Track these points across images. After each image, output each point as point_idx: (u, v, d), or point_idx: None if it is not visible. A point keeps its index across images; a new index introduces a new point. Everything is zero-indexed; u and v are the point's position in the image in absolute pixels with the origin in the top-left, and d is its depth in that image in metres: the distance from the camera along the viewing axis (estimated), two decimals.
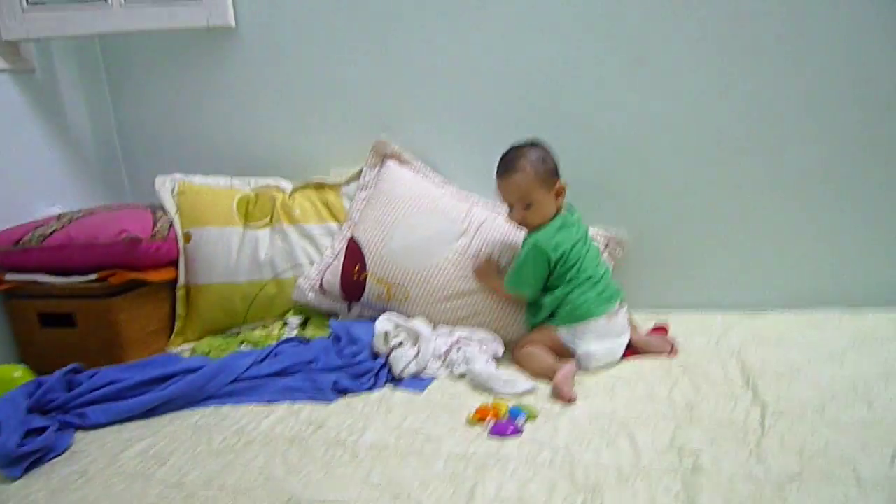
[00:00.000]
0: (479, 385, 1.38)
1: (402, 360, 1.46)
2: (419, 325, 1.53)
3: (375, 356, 1.50)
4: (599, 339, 1.43)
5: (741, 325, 1.58)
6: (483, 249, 1.66)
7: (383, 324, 1.52)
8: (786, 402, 1.17)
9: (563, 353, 1.44)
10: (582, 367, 1.41)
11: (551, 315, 1.48)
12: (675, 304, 1.75)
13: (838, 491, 0.92)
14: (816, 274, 1.70)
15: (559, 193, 1.50)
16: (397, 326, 1.53)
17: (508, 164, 1.49)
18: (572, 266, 1.47)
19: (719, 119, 1.68)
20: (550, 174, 1.48)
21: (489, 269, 1.62)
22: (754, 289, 1.73)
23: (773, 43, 1.61)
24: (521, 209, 1.49)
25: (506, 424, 1.18)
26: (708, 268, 1.77)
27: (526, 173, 1.46)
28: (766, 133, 1.66)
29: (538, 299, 1.52)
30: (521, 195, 1.48)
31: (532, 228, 1.51)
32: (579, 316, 1.44)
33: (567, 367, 1.35)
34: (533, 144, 1.51)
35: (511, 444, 1.13)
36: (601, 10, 1.70)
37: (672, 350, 1.47)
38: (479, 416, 1.22)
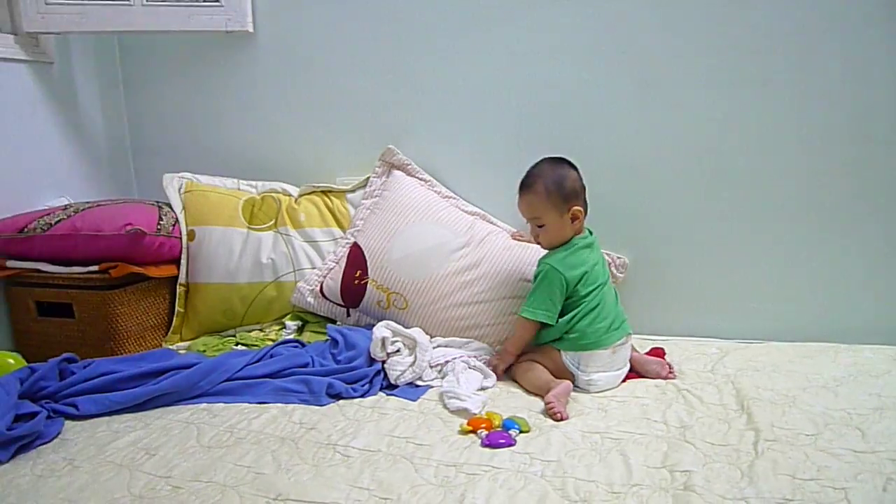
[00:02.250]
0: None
1: (399, 367, 1.46)
2: (417, 333, 1.53)
3: (371, 362, 1.50)
4: (602, 369, 1.42)
5: (737, 352, 1.57)
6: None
7: (381, 330, 1.52)
8: (779, 428, 1.16)
9: (564, 375, 1.42)
10: (580, 389, 1.41)
11: (559, 338, 1.46)
12: (672, 330, 1.75)
13: None
14: (814, 308, 1.70)
15: (575, 217, 1.46)
16: (395, 333, 1.53)
17: (526, 180, 1.49)
18: (592, 289, 1.44)
19: (724, 148, 1.70)
20: (566, 198, 1.45)
21: (502, 357, 1.52)
22: (752, 318, 1.73)
23: (779, 76, 1.64)
24: (535, 227, 1.50)
25: (499, 435, 1.18)
26: (706, 295, 1.77)
27: (538, 194, 1.46)
28: (769, 165, 1.68)
29: None
30: (532, 214, 1.48)
31: (545, 249, 1.51)
32: (586, 345, 1.42)
33: (562, 386, 1.35)
34: (559, 163, 1.49)
35: (503, 454, 1.13)
36: (613, 33, 1.73)
37: (670, 373, 1.47)
38: (472, 427, 1.22)
